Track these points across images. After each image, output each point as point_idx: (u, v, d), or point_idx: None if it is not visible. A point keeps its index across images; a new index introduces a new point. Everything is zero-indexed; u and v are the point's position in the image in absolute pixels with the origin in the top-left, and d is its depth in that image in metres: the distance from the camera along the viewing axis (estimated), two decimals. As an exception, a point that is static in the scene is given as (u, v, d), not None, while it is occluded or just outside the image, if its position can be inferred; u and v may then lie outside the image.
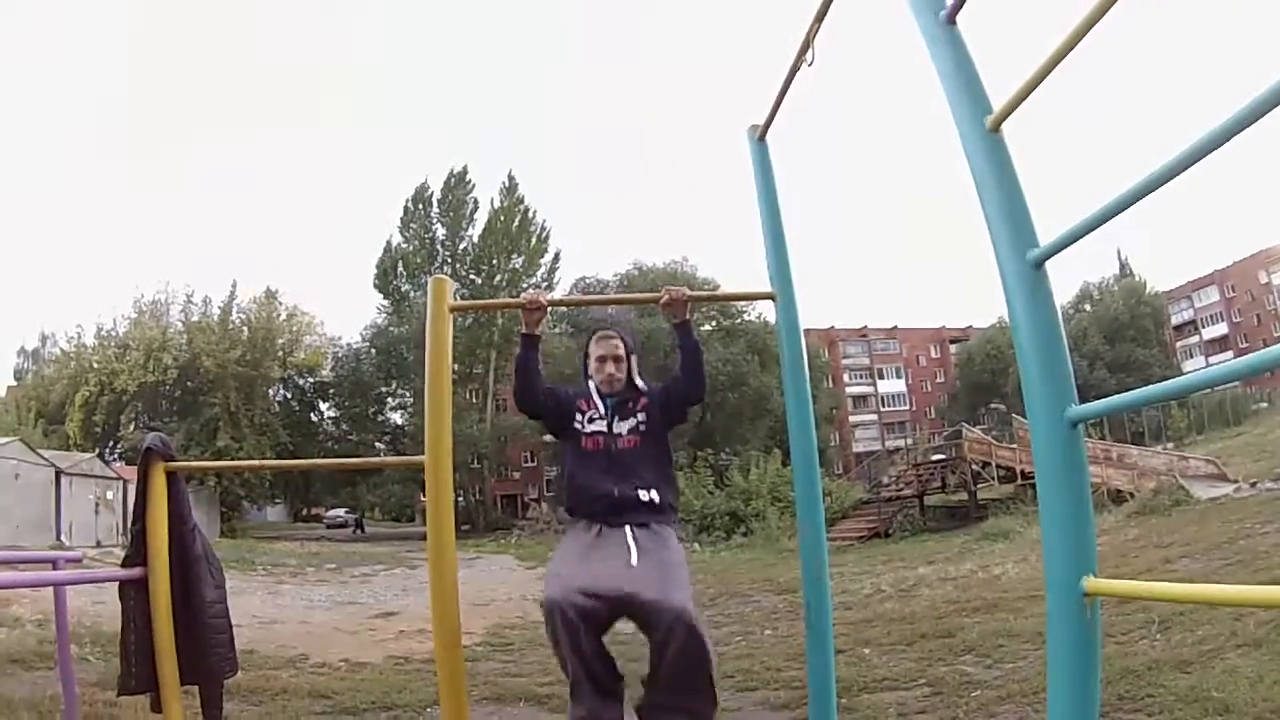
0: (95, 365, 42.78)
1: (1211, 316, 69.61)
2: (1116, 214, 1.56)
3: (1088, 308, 64.59)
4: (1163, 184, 1.45)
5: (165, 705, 3.40)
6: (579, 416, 3.30)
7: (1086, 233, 1.65)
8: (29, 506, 23.10)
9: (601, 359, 3.37)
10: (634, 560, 2.91)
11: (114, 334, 44.70)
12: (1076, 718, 1.73)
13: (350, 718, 6.05)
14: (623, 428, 3.26)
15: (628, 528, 3.05)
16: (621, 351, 3.39)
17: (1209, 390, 60.04)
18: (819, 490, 3.31)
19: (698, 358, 3.34)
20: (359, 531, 48.48)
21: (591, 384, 3.40)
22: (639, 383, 3.40)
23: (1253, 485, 17.68)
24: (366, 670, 8.00)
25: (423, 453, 3.06)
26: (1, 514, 21.33)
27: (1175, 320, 69.91)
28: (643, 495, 3.14)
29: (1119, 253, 70.37)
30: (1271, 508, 13.58)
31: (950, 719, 5.13)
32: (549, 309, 3.39)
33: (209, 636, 3.44)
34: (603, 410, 3.31)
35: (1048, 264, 1.79)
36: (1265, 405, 47.31)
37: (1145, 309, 62.40)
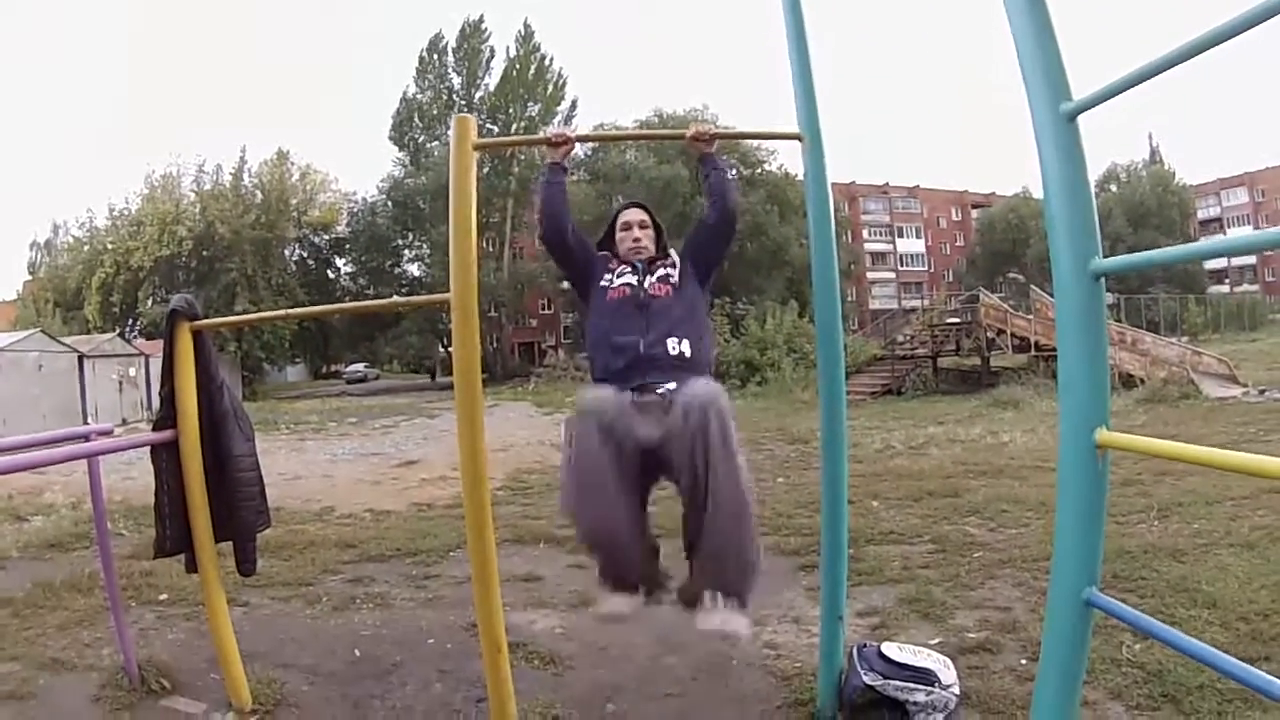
0: (110, 246, 42.26)
1: (1239, 218, 67.52)
2: (1153, 76, 1.54)
3: (1113, 189, 63.00)
4: (1201, 51, 1.42)
5: (200, 565, 3.53)
6: (607, 275, 3.17)
7: (1122, 90, 1.62)
8: (54, 395, 23.40)
9: (627, 225, 3.25)
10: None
11: (127, 213, 44.07)
12: (1082, 566, 1.81)
13: (377, 564, 6.30)
14: (653, 278, 3.11)
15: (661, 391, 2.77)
16: (648, 220, 3.28)
17: (1228, 291, 59.31)
18: (839, 333, 3.30)
19: (725, 183, 3.20)
20: (434, 379, 49.68)
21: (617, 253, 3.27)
22: (670, 252, 3.27)
23: (1261, 392, 17.56)
24: (391, 518, 8.28)
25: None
26: (29, 405, 21.64)
27: (1201, 215, 67.85)
28: (672, 347, 2.86)
29: (1150, 137, 68.34)
30: (1279, 416, 13.60)
31: (952, 576, 5.31)
32: (574, 145, 3.33)
33: (241, 491, 3.54)
34: (633, 267, 3.15)
35: (1080, 120, 1.77)
36: (1283, 316, 46.98)
37: (1172, 198, 60.84)
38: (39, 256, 54.15)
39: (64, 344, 25.42)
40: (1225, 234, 67.07)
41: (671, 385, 2.76)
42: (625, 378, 2.82)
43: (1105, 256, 1.73)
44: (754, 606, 2.66)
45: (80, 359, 24.98)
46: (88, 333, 34.88)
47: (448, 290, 2.95)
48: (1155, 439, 1.77)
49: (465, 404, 2.94)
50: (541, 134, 3.23)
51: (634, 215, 3.27)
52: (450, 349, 2.84)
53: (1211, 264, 67.38)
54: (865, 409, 20.63)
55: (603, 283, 3.12)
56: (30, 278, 51.90)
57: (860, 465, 10.07)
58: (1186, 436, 11.94)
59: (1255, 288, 62.85)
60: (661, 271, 3.12)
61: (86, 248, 45.04)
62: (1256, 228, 64.50)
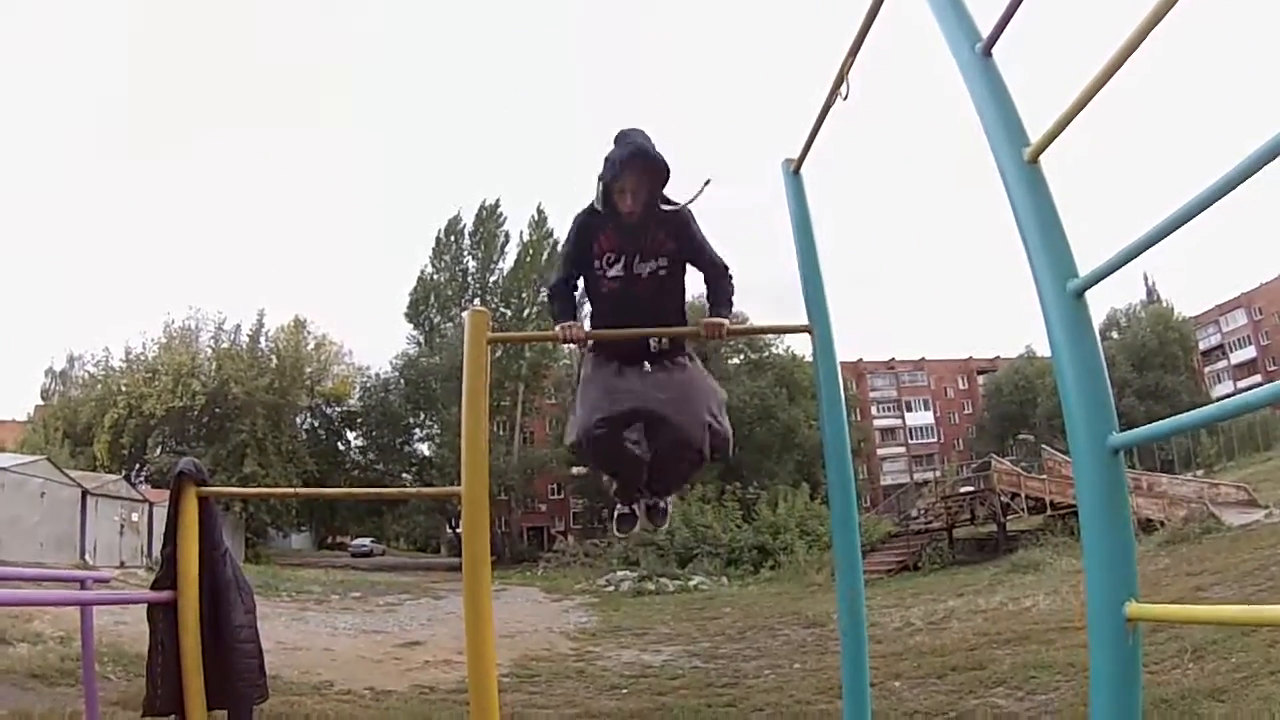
0: (124, 388, 42.95)
1: (1239, 340, 68.10)
2: (1155, 243, 1.56)
3: (1115, 335, 63.79)
4: (1200, 212, 1.45)
5: (190, 728, 3.39)
6: (597, 263, 3.32)
7: (1126, 262, 1.65)
8: (54, 525, 23.18)
9: (622, 192, 3.18)
10: (648, 377, 3.32)
11: (143, 358, 45.03)
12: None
13: (377, 747, 6.06)
14: (643, 269, 3.31)
15: (646, 364, 3.37)
16: (647, 186, 3.20)
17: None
18: (855, 520, 3.28)
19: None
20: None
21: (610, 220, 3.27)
22: (668, 204, 3.26)
23: None
24: (392, 699, 8.01)
25: (451, 483, 3.08)
26: (26, 532, 21.38)
27: (1203, 345, 68.36)
28: (653, 344, 3.42)
29: (1146, 277, 69.70)
30: None
31: (983, 753, 5.07)
32: (587, 342, 3.40)
33: (238, 661, 3.41)
34: (620, 246, 3.27)
35: (1087, 293, 1.80)
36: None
37: (1173, 335, 61.64)
38: (53, 384, 54.68)
39: (69, 476, 25.31)
40: (1229, 360, 67.44)
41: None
42: (616, 357, 3.41)
43: (1115, 404, 1.72)
44: None
45: (84, 494, 24.80)
46: (94, 470, 34.88)
47: (458, 472, 2.97)
48: (1187, 606, 1.73)
49: (474, 595, 2.92)
50: (555, 330, 3.30)
51: (635, 184, 3.17)
52: (458, 530, 2.87)
53: (1211, 366, 67.51)
54: (882, 587, 20.25)
55: (596, 271, 3.36)
56: (42, 403, 52.24)
57: (879, 645, 9.76)
58: (1212, 571, 11.64)
59: (1257, 378, 62.05)
60: (652, 264, 3.31)
61: (100, 386, 45.61)
62: (1257, 346, 65.44)
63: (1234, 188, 1.38)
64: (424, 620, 16.13)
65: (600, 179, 3.20)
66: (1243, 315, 68.54)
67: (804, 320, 3.36)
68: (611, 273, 3.31)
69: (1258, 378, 64.08)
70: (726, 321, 3.27)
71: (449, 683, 8.85)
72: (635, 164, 3.13)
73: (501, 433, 47.37)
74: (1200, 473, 30.53)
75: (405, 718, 6.98)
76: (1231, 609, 1.60)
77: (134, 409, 41.94)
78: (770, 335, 44.99)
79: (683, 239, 3.33)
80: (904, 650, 9.48)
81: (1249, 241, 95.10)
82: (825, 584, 20.52)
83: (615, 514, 3.72)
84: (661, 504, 3.68)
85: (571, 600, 21.75)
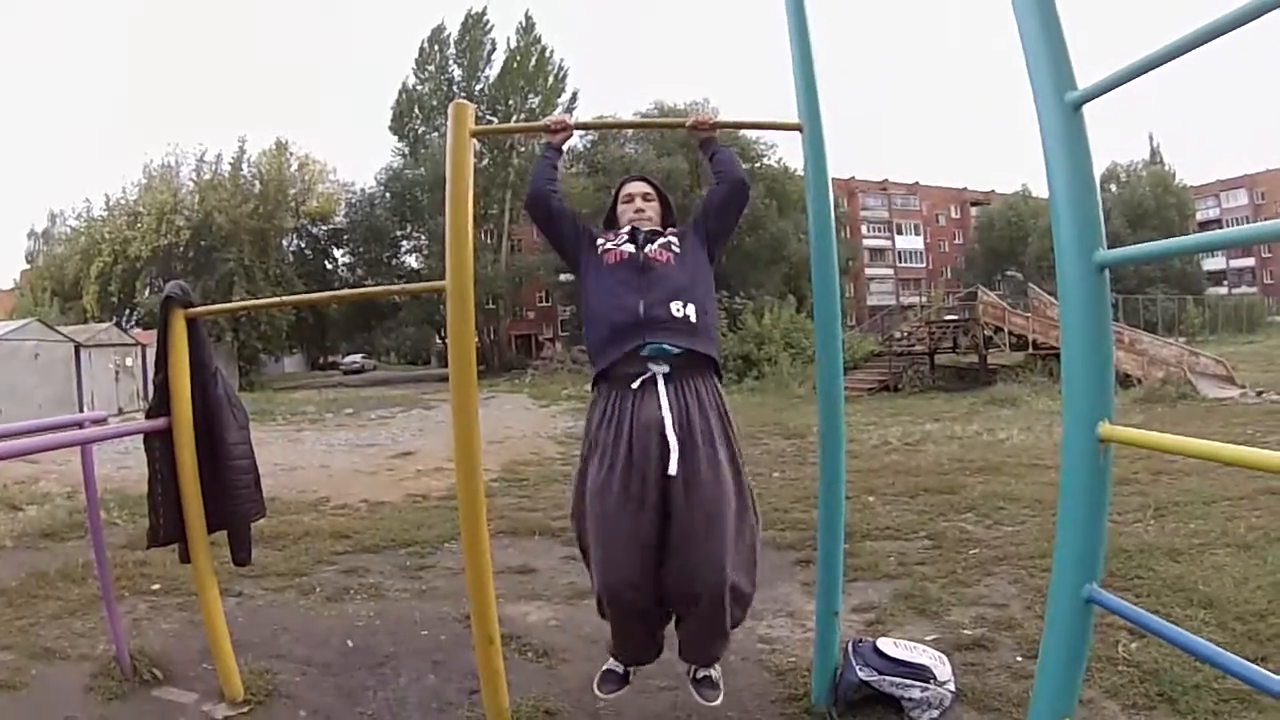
0: (107, 236, 42.15)
1: (1238, 219, 67.78)
2: (1159, 65, 1.53)
3: (1113, 189, 63.06)
4: (1207, 41, 1.41)
5: (193, 553, 3.48)
6: (600, 240, 3.00)
7: (1128, 80, 1.61)
8: (51, 385, 23.12)
9: (629, 197, 3.11)
10: (673, 466, 2.62)
11: (124, 203, 43.99)
12: (1083, 562, 1.79)
13: (371, 555, 6.28)
14: (653, 246, 2.88)
15: (660, 381, 2.68)
16: (652, 191, 3.15)
17: (1226, 293, 59.70)
18: (838, 320, 3.26)
19: (732, 159, 3.08)
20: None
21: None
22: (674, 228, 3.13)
23: (1259, 394, 17.54)
24: (386, 509, 8.25)
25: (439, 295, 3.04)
26: (23, 396, 21.34)
27: (1200, 216, 67.98)
28: (675, 310, 2.70)
29: (1151, 138, 68.70)
30: (1277, 418, 13.63)
31: (948, 572, 5.28)
32: (573, 133, 3.25)
33: (234, 479, 3.49)
34: (632, 235, 2.96)
35: (1085, 110, 1.75)
36: (1280, 319, 47.43)
37: (1171, 199, 61.13)
38: (36, 246, 54.13)
39: (61, 333, 25.14)
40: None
41: (674, 351, 2.69)
42: (625, 339, 2.70)
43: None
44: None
45: (77, 348, 24.70)
46: (85, 322, 34.64)
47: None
48: (1158, 433, 1.76)
49: (460, 389, 2.93)
50: (545, 120, 3.19)
51: (636, 187, 3.15)
52: (447, 339, 2.65)
53: (1210, 265, 67.56)
54: (862, 404, 20.64)
55: (598, 249, 2.96)
56: (28, 267, 51.91)
57: (856, 460, 10.04)
58: (1184, 436, 11.95)
59: (1254, 290, 63.14)
60: (663, 240, 2.90)
61: (84, 238, 44.97)
62: (1256, 229, 65.42)
63: (1247, 22, 1.33)
64: (415, 431, 16.48)
65: (608, 207, 3.24)
66: (1244, 195, 68.58)
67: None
68: (617, 246, 2.90)
69: (1251, 261, 64.30)
70: (712, 118, 3.18)
71: (441, 490, 9.12)
72: (634, 176, 3.21)
73: (489, 240, 47.16)
74: (1183, 340, 30.75)
75: (398, 526, 7.21)
76: (1197, 442, 1.64)
77: (119, 255, 41.41)
78: (763, 143, 44.30)
79: (692, 222, 3.09)
80: (880, 468, 9.74)
81: (1259, 128, 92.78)
82: (807, 397, 20.92)
83: (602, 668, 3.13)
84: (709, 674, 3.04)
85: (559, 406, 22.05)
